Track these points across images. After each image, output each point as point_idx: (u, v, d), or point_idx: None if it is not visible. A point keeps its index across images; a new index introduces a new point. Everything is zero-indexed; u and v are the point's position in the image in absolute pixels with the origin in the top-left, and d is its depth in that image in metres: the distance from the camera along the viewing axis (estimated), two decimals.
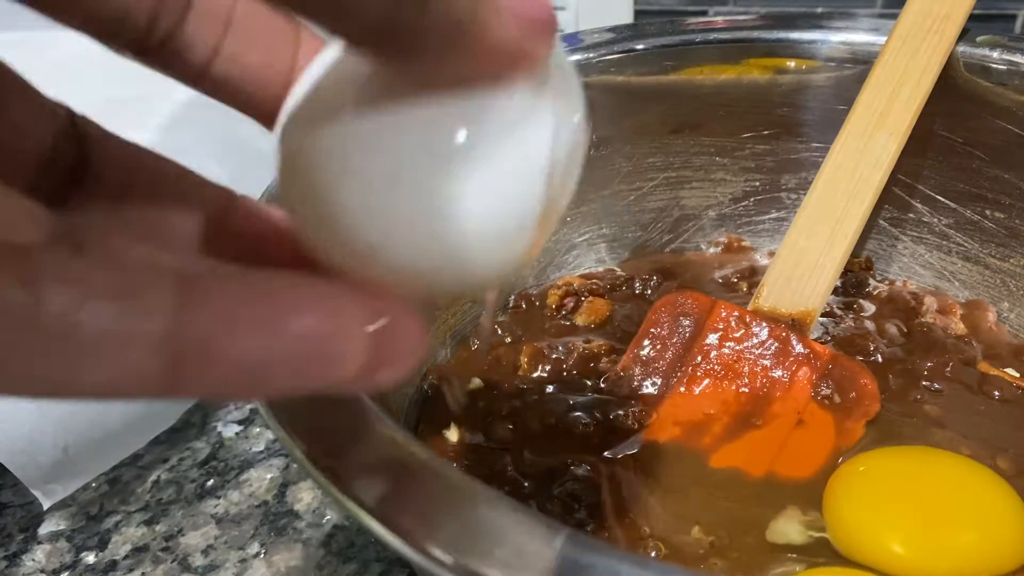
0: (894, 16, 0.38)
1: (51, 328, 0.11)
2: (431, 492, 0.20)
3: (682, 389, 0.35)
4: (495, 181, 0.14)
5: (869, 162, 0.37)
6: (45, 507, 0.35)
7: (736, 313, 0.36)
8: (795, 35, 0.40)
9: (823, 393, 0.34)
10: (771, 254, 0.44)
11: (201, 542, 0.36)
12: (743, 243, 0.45)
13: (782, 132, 0.42)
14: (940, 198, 0.41)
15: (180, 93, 0.48)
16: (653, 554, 0.29)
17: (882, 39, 0.38)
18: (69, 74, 0.53)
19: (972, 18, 0.37)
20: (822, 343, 0.37)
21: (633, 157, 0.42)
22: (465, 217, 0.14)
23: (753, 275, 0.43)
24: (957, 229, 0.41)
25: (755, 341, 0.35)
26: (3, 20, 0.60)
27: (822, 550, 0.29)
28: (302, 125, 0.15)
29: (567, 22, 0.65)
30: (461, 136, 0.14)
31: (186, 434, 0.42)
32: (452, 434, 0.34)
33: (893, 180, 0.39)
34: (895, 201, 0.42)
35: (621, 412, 0.34)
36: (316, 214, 0.15)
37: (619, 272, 0.43)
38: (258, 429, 0.42)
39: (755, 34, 0.41)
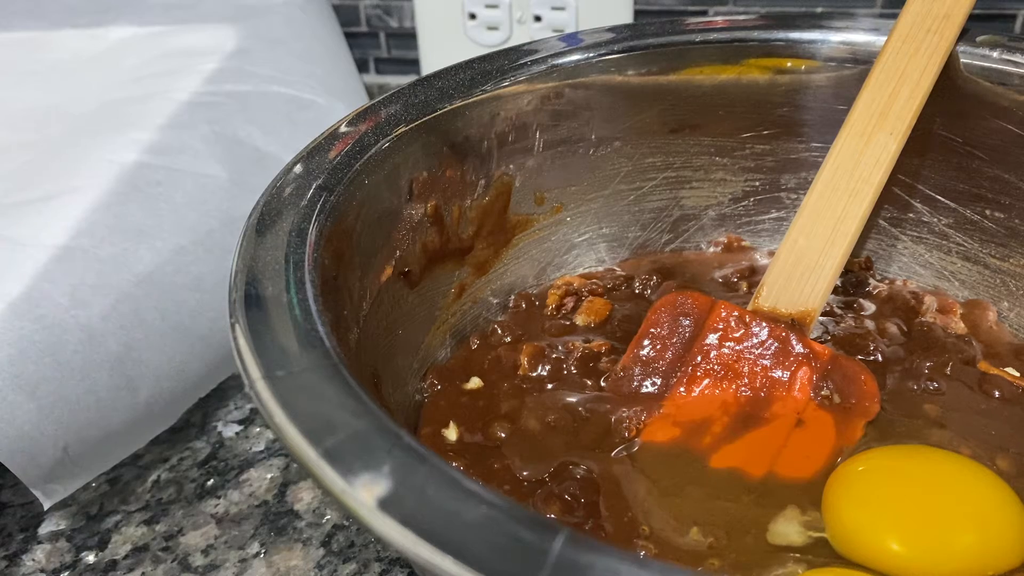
0: (894, 16, 0.38)
1: None
2: (430, 491, 0.20)
3: (682, 389, 0.35)
4: None
5: (869, 162, 0.37)
6: (45, 507, 0.35)
7: (736, 313, 0.36)
8: (795, 35, 0.40)
9: (823, 393, 0.34)
10: (771, 254, 0.44)
11: (201, 542, 0.36)
12: (743, 243, 0.45)
13: (782, 132, 0.42)
14: (940, 198, 0.41)
15: (180, 93, 0.48)
16: (652, 554, 0.29)
17: (882, 39, 0.38)
18: (69, 74, 0.53)
19: (972, 18, 0.37)
20: (822, 343, 0.37)
21: (633, 157, 0.42)
22: None
23: (753, 275, 0.43)
24: (957, 229, 0.41)
25: (755, 341, 0.35)
26: (3, 20, 0.60)
27: (822, 550, 0.29)
28: None
29: (567, 22, 0.65)
30: None
31: (186, 434, 0.42)
32: (451, 433, 0.34)
33: (893, 180, 0.39)
34: (895, 201, 0.42)
35: (621, 412, 0.34)
36: None
37: (619, 272, 0.43)
38: (258, 429, 0.42)
39: (755, 34, 0.41)
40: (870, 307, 0.41)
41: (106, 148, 0.43)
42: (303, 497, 0.38)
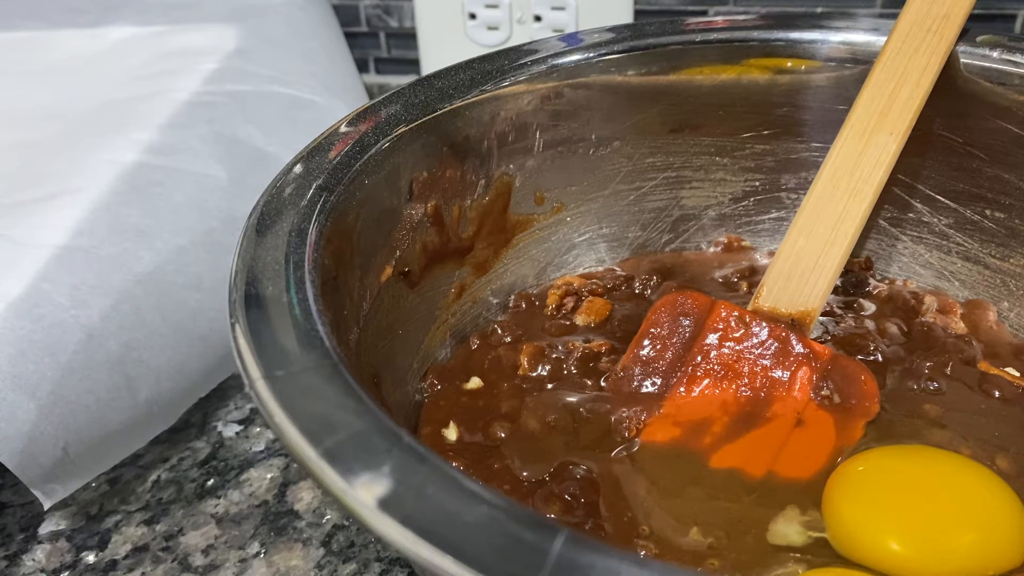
0: (894, 16, 0.38)
1: None
2: (430, 491, 0.20)
3: (682, 389, 0.35)
4: None
5: (869, 162, 0.37)
6: (45, 507, 0.35)
7: (736, 313, 0.36)
8: (795, 35, 0.40)
9: (823, 393, 0.34)
10: (771, 254, 0.44)
11: (201, 542, 0.36)
12: (743, 243, 0.45)
13: (782, 132, 0.42)
14: (940, 198, 0.41)
15: (180, 93, 0.48)
16: (652, 554, 0.29)
17: (882, 39, 0.38)
18: (69, 74, 0.53)
19: (972, 18, 0.37)
20: (822, 343, 0.37)
21: (633, 157, 0.42)
22: None
23: (753, 275, 0.43)
24: (957, 229, 0.41)
25: (755, 341, 0.35)
26: (3, 20, 0.60)
27: (822, 550, 0.29)
28: None
29: (567, 22, 0.65)
30: None
31: (186, 434, 0.42)
32: (451, 433, 0.34)
33: (893, 180, 0.39)
34: (895, 201, 0.42)
35: (621, 412, 0.34)
36: None
37: (619, 272, 0.43)
38: (258, 429, 0.42)
39: (755, 34, 0.41)
40: (870, 307, 0.41)
41: (106, 148, 0.43)
42: (303, 497, 0.38)
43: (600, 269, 0.44)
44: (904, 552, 0.28)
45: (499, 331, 0.39)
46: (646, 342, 0.36)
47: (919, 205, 0.42)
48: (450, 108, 0.36)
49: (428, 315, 0.38)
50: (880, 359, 0.37)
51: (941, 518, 0.29)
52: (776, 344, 0.35)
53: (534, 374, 0.37)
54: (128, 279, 0.38)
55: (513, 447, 0.33)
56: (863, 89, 0.37)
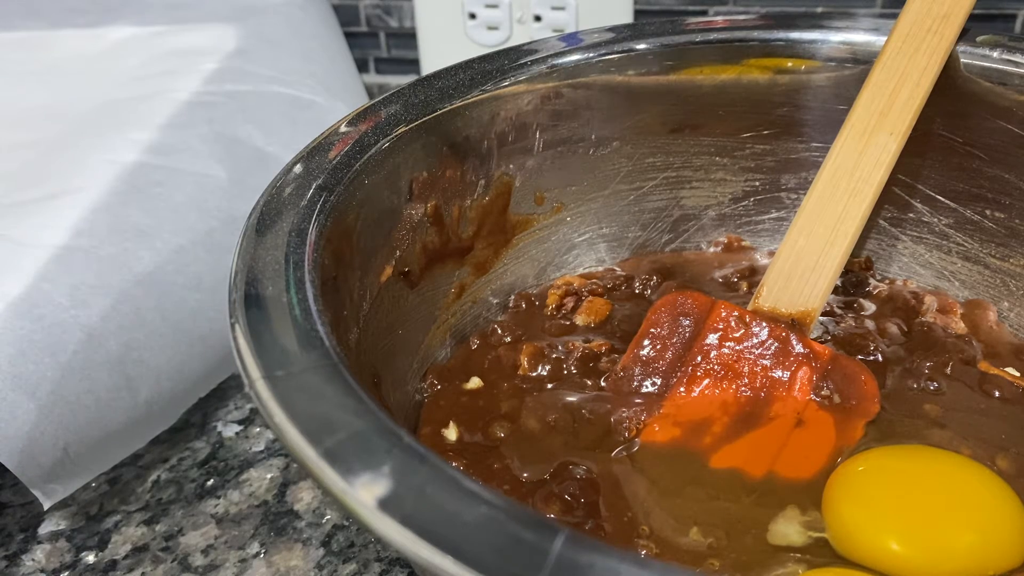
0: (894, 16, 0.38)
1: None
2: (430, 491, 0.20)
3: (682, 389, 0.35)
4: None
5: (869, 162, 0.37)
6: (45, 507, 0.35)
7: (736, 313, 0.36)
8: (795, 35, 0.40)
9: (823, 393, 0.34)
10: (771, 254, 0.44)
11: (201, 542, 0.36)
12: (743, 243, 0.45)
13: (782, 132, 0.42)
14: (940, 198, 0.41)
15: (180, 93, 0.48)
16: (653, 554, 0.29)
17: (882, 39, 0.38)
18: (69, 74, 0.53)
19: (972, 18, 0.37)
20: (822, 343, 0.37)
21: (633, 157, 0.42)
22: None
23: (753, 275, 0.43)
24: (957, 229, 0.41)
25: (755, 341, 0.35)
26: (3, 20, 0.60)
27: (822, 550, 0.29)
28: None
29: (567, 22, 0.65)
30: None
31: (186, 434, 0.42)
32: (451, 433, 0.34)
33: (893, 180, 0.39)
34: (895, 201, 0.42)
35: (621, 412, 0.34)
36: None
37: (619, 272, 0.43)
38: (258, 429, 0.42)
39: (755, 34, 0.41)
40: (870, 307, 0.41)
41: (106, 148, 0.43)
42: (303, 497, 0.38)
43: (600, 269, 0.44)
44: (904, 552, 0.28)
45: (499, 331, 0.39)
46: (646, 342, 0.36)
47: (919, 205, 0.42)
48: (450, 108, 0.36)
49: (428, 315, 0.38)
50: (880, 359, 0.37)
51: (941, 518, 0.29)
52: (776, 344, 0.35)
53: (534, 374, 0.37)
54: (128, 279, 0.38)
55: (513, 447, 0.33)
56: (863, 89, 0.37)
